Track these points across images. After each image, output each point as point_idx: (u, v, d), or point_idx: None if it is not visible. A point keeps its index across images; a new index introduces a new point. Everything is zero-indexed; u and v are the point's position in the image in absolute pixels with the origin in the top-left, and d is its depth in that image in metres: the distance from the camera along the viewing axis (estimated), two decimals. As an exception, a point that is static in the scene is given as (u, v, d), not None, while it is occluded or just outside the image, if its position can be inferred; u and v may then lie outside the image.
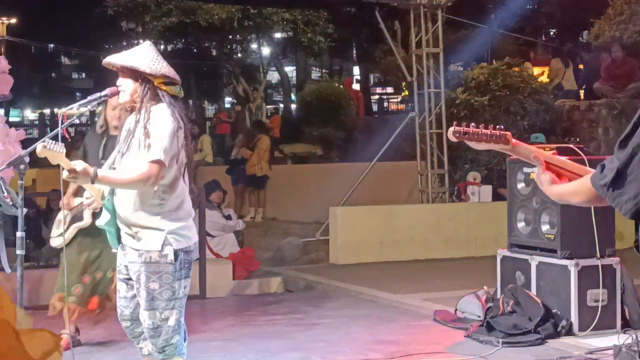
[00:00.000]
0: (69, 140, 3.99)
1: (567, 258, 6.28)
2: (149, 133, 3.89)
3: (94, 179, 3.79)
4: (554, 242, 6.41)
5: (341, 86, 21.25)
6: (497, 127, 2.63)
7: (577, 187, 2.47)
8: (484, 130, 2.61)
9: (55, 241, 6.07)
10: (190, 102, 23.49)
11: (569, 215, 6.27)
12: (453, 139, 2.65)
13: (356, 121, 18.80)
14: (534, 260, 6.51)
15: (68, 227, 5.93)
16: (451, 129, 2.62)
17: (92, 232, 5.66)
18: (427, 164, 12.40)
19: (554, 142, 9.50)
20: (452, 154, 12.19)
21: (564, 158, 2.65)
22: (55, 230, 6.08)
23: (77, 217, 5.97)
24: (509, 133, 2.63)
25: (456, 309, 6.99)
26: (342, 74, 30.60)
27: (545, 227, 6.52)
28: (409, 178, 12.96)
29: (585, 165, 2.64)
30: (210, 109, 28.66)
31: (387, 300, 8.04)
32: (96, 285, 5.95)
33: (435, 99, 12.41)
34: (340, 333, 6.68)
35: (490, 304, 6.66)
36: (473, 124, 2.64)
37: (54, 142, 3.75)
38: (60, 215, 5.97)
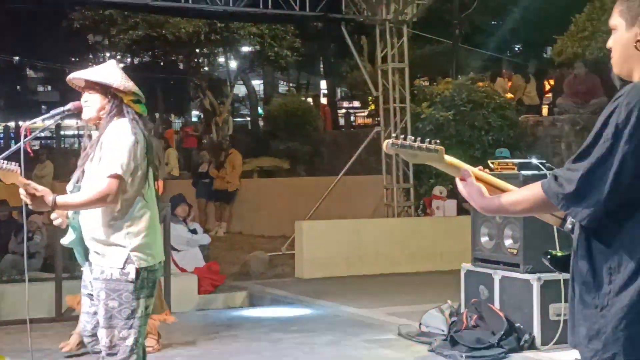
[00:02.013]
0: (32, 154, 3.95)
1: (530, 272, 6.34)
2: (107, 147, 3.88)
3: (53, 206, 3.78)
4: (516, 257, 6.47)
5: (308, 100, 21.31)
6: (434, 141, 2.67)
7: (523, 197, 2.51)
8: (419, 144, 2.65)
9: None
10: (157, 115, 23.39)
11: (532, 230, 6.33)
12: (390, 152, 2.69)
13: (323, 135, 18.85)
14: (497, 275, 6.56)
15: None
16: (387, 141, 2.65)
17: None
18: (392, 179, 12.47)
19: (517, 157, 9.59)
20: (417, 168, 12.26)
21: (490, 175, 2.70)
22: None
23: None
24: (442, 148, 2.67)
25: (420, 323, 7.02)
26: (309, 88, 30.66)
27: (508, 242, 6.58)
28: (375, 192, 13.02)
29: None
30: (176, 123, 28.55)
31: (352, 315, 8.06)
32: None
33: (400, 113, 12.50)
34: (305, 348, 6.68)
35: (454, 318, 6.70)
36: (411, 136, 2.68)
37: (6, 161, 3.71)
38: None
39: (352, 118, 27.60)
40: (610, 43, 2.52)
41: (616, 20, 2.48)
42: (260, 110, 24.83)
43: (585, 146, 2.37)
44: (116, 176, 3.82)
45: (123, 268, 3.89)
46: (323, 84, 30.51)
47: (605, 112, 2.35)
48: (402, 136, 2.68)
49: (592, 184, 2.32)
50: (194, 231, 10.10)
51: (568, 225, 2.68)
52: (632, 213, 2.32)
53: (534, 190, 2.47)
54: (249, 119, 27.08)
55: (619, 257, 2.33)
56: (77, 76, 4.03)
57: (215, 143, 17.19)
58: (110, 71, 4.01)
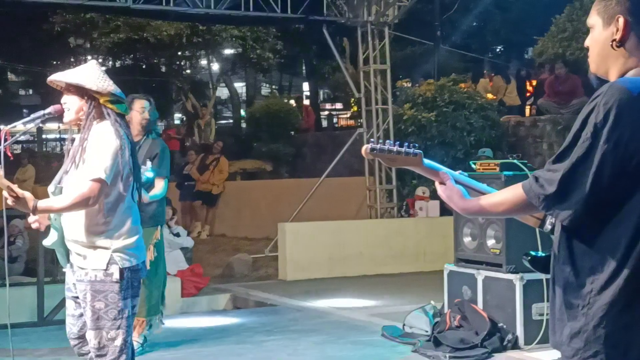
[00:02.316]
0: (12, 158, 3.94)
1: (513, 272, 6.37)
2: (91, 151, 3.87)
3: (34, 211, 3.78)
4: (499, 257, 6.50)
5: (291, 102, 21.29)
6: (412, 145, 2.68)
7: (503, 198, 2.52)
8: (397, 149, 2.66)
9: None
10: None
11: (514, 230, 6.35)
12: (369, 157, 2.70)
13: (305, 137, 18.86)
14: (480, 275, 6.59)
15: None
16: (366, 146, 2.66)
17: None
18: (375, 180, 12.50)
19: (499, 158, 9.63)
20: (399, 169, 12.29)
21: (468, 178, 2.72)
22: None
23: None
24: (420, 153, 2.68)
25: (404, 324, 7.03)
26: (291, 90, 30.65)
27: (490, 242, 6.60)
28: (358, 194, 13.04)
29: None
30: (159, 125, 28.48)
31: (335, 316, 8.06)
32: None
33: (383, 115, 12.53)
34: (289, 350, 6.67)
35: (437, 319, 6.72)
36: (389, 140, 2.69)
37: None
38: None
39: (335, 120, 27.60)
40: (587, 42, 2.54)
41: (593, 19, 2.50)
42: (242, 113, 24.80)
43: (564, 147, 2.38)
44: (99, 180, 3.82)
45: (106, 269, 3.90)
46: (305, 86, 30.53)
47: (584, 112, 2.36)
48: (381, 140, 2.69)
49: (572, 184, 2.33)
50: (177, 234, 10.07)
51: (547, 226, 2.70)
52: (613, 212, 2.34)
53: (515, 192, 2.48)
54: (231, 121, 27.04)
55: (601, 257, 2.35)
56: (53, 78, 4.02)
57: (206, 145, 17.14)
58: (86, 72, 3.99)
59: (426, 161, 2.70)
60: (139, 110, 6.47)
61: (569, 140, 2.37)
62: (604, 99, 2.31)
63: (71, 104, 4.00)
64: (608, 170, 2.29)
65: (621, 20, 2.43)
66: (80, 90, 3.96)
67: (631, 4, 2.43)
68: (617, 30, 2.44)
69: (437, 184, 2.68)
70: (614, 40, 2.44)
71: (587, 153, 2.31)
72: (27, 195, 3.77)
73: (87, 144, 3.91)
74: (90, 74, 3.98)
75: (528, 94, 16.44)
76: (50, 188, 4.02)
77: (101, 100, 3.96)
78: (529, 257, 2.80)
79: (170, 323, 7.28)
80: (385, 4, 12.38)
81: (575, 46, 13.19)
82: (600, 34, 2.48)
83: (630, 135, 2.28)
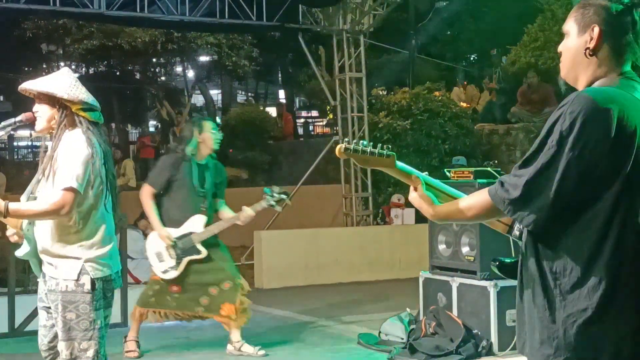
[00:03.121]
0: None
1: (487, 279, 6.41)
2: (61, 160, 3.84)
3: (5, 214, 3.74)
4: (473, 264, 6.53)
5: (267, 109, 21.27)
6: (386, 146, 2.70)
7: (471, 203, 2.56)
8: (371, 149, 2.69)
9: (167, 275, 6.52)
10: (114, 125, 23.20)
11: (488, 237, 6.39)
12: (342, 157, 2.72)
13: (281, 145, 18.86)
14: (455, 282, 6.62)
15: (180, 260, 6.47)
16: (340, 145, 2.69)
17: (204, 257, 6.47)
18: (351, 187, 12.52)
19: (474, 166, 9.69)
20: (375, 177, 12.33)
21: (440, 183, 2.74)
22: (161, 264, 6.52)
23: (187, 250, 6.47)
24: (393, 154, 2.71)
25: (380, 332, 7.05)
26: (267, 98, 30.66)
27: (465, 249, 6.64)
28: (334, 201, 13.05)
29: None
30: (133, 133, 28.34)
31: (311, 324, 8.06)
32: (225, 294, 6.52)
33: (358, 122, 12.56)
34: (265, 358, 6.66)
35: (413, 326, 6.74)
36: (363, 141, 2.71)
37: None
38: (157, 247, 6.50)
39: (311, 127, 27.64)
40: (561, 47, 2.58)
41: (569, 25, 2.55)
42: (218, 120, 24.76)
43: (530, 153, 2.43)
44: (71, 189, 3.78)
45: (78, 279, 3.86)
46: (281, 94, 30.53)
47: (550, 120, 2.41)
48: (355, 141, 2.71)
49: (537, 189, 2.37)
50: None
51: (515, 232, 2.73)
52: (577, 217, 2.38)
53: (482, 197, 2.52)
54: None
55: (564, 261, 2.38)
56: (24, 87, 3.98)
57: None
58: (57, 80, 3.95)
59: (399, 164, 2.73)
60: (211, 131, 6.56)
61: (535, 147, 2.42)
62: (570, 108, 2.36)
63: (43, 113, 3.96)
64: (572, 177, 2.34)
65: (596, 29, 2.48)
66: (51, 99, 3.92)
67: (607, 15, 2.48)
68: (592, 39, 2.48)
69: (411, 189, 2.70)
70: (588, 48, 2.49)
71: (552, 160, 2.36)
72: None
73: (58, 153, 3.87)
74: (62, 82, 3.93)
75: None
76: (23, 198, 3.98)
77: (73, 109, 3.92)
78: (497, 263, 2.83)
79: (146, 331, 7.23)
80: (361, 13, 12.43)
81: (547, 55, 13.33)
82: (574, 40, 2.53)
83: (595, 144, 2.33)
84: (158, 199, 6.52)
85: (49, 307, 3.99)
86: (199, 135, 6.52)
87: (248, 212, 6.56)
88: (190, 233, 6.47)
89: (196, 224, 6.52)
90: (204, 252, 6.50)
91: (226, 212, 6.79)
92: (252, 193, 15.81)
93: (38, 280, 4.11)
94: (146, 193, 6.49)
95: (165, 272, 6.51)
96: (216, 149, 6.67)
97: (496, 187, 2.47)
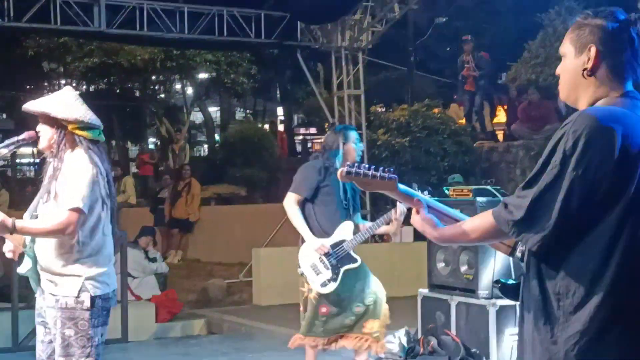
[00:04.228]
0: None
1: (486, 298, 6.40)
2: (66, 181, 3.86)
3: (12, 230, 3.75)
4: (472, 282, 6.53)
5: (265, 126, 21.30)
6: (387, 169, 2.71)
7: (475, 226, 2.55)
8: (373, 172, 2.68)
9: (327, 288, 5.88)
10: (114, 142, 23.23)
11: (487, 256, 6.40)
12: (345, 180, 2.72)
13: (280, 162, 18.87)
14: (454, 301, 6.61)
15: (337, 271, 5.87)
16: (342, 169, 2.68)
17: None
18: (349, 205, 12.49)
19: (473, 183, 9.69)
20: (374, 194, 12.32)
21: (442, 205, 2.75)
22: (318, 277, 5.90)
23: (342, 259, 5.91)
24: (395, 178, 2.71)
25: (378, 350, 7.01)
26: (265, 115, 30.70)
27: (464, 268, 6.64)
28: (332, 219, 13.01)
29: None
30: (133, 150, 28.38)
31: (310, 342, 8.02)
32: (372, 310, 5.98)
33: (357, 140, 12.56)
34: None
35: (411, 344, 6.73)
36: (365, 165, 2.72)
37: None
38: (310, 260, 5.91)
39: (309, 144, 27.66)
40: (559, 70, 2.57)
41: (566, 47, 2.54)
42: (217, 137, 24.79)
43: (533, 173, 2.41)
44: (77, 210, 3.81)
45: (78, 296, 3.88)
46: (280, 111, 30.58)
47: (553, 140, 2.39)
48: (357, 164, 2.72)
49: (541, 210, 2.36)
50: (154, 259, 10.05)
51: (517, 254, 2.72)
52: (581, 238, 2.36)
53: (485, 219, 2.51)
54: (205, 145, 27.00)
55: (568, 282, 2.36)
56: (25, 108, 4.00)
57: (174, 170, 17.10)
58: (54, 100, 3.97)
59: (401, 186, 2.73)
60: (355, 142, 6.05)
61: (538, 167, 2.40)
62: (574, 127, 2.35)
63: (44, 132, 3.99)
64: (576, 197, 2.32)
65: (593, 49, 2.46)
66: (49, 119, 3.94)
67: (604, 34, 2.46)
68: (589, 59, 2.47)
69: (413, 212, 2.70)
70: (585, 69, 2.47)
71: (555, 180, 2.34)
72: (2, 215, 3.75)
73: (61, 174, 3.89)
74: (59, 101, 3.95)
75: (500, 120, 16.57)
76: (26, 216, 4.00)
77: (69, 128, 3.93)
78: (499, 285, 2.83)
79: (145, 348, 7.25)
80: (359, 30, 12.47)
81: (548, 72, 13.32)
82: (571, 62, 2.51)
83: (598, 164, 2.31)
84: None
85: (47, 323, 4.00)
86: (344, 145, 6.00)
87: (400, 207, 5.89)
88: (343, 241, 5.95)
89: (347, 231, 6.00)
90: (359, 260, 6.01)
91: (362, 224, 6.26)
92: (249, 210, 15.87)
93: (36, 296, 4.12)
94: (291, 201, 5.91)
95: (324, 284, 5.90)
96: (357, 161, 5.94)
97: (500, 209, 2.45)
